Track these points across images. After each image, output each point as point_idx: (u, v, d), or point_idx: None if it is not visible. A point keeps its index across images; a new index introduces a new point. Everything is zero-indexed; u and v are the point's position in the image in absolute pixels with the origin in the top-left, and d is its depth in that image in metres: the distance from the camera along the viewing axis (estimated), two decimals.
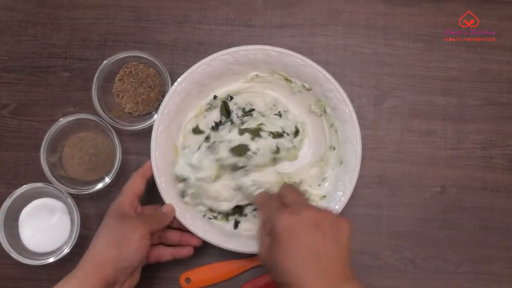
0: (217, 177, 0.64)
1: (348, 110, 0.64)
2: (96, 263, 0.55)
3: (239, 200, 0.65)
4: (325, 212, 0.50)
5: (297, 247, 0.46)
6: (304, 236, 0.47)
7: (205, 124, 0.68)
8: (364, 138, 0.66)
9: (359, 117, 0.65)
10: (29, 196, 0.67)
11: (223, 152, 0.62)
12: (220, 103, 0.68)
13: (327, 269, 0.46)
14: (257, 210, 0.66)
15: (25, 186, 0.65)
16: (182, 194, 0.65)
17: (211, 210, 0.66)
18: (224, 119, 0.68)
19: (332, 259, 0.46)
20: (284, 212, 0.49)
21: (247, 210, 0.67)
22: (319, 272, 0.45)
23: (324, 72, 0.64)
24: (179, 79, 0.65)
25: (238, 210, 0.67)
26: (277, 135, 0.65)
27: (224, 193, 0.64)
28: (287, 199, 0.53)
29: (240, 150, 0.62)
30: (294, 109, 0.69)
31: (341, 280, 0.46)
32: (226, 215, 0.67)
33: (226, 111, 0.68)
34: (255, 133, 0.63)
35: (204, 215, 0.67)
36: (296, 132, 0.67)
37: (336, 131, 0.67)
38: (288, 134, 0.66)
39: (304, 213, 0.48)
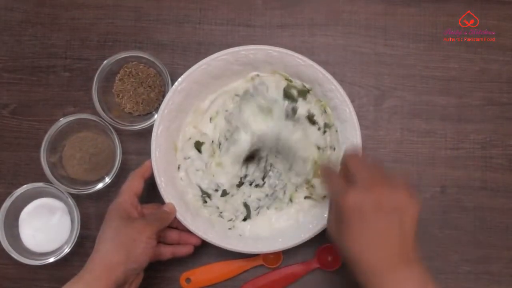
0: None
1: (348, 110, 0.64)
2: (105, 266, 0.55)
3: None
4: (391, 193, 0.48)
5: (362, 229, 0.48)
6: (369, 219, 0.47)
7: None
8: (364, 138, 0.66)
9: (359, 117, 0.65)
10: (29, 196, 0.67)
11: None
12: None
13: (389, 253, 0.48)
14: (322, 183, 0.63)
15: (25, 186, 0.65)
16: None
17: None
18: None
19: (394, 244, 0.48)
20: (349, 191, 0.48)
21: (253, 213, 0.67)
22: (382, 256, 0.48)
23: (324, 72, 0.64)
24: (179, 79, 0.65)
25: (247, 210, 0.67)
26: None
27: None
28: (352, 171, 0.51)
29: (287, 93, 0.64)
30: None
31: (402, 264, 0.48)
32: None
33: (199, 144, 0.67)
34: (303, 94, 0.64)
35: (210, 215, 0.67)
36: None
37: (336, 131, 0.67)
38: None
39: (369, 195, 0.48)
